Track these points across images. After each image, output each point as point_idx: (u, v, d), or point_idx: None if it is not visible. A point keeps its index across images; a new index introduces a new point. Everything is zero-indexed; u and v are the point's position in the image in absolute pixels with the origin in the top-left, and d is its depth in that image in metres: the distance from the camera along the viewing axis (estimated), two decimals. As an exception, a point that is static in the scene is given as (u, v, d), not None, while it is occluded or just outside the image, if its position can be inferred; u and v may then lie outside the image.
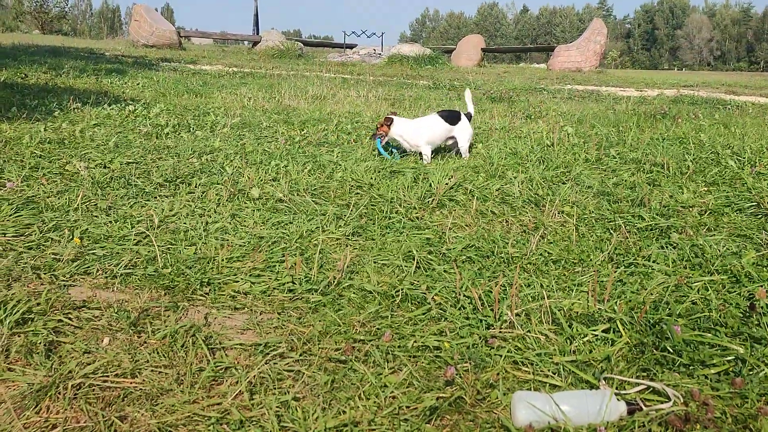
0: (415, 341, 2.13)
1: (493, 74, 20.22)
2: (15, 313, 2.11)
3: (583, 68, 24.86)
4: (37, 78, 9.85)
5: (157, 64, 16.21)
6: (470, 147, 5.28)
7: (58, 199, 3.48)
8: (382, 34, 30.64)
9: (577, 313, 2.33)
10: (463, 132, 5.14)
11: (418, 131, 4.95)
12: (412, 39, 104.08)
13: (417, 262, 2.83)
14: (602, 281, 2.65)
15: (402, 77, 17.25)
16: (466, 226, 3.47)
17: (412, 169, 4.54)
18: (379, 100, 9.68)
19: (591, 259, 2.95)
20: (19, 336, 2.02)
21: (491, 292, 2.47)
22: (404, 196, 3.85)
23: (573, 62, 25.16)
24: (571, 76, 20.73)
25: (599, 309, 2.32)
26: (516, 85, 14.70)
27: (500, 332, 2.19)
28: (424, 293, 2.51)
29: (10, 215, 3.13)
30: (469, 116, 5.25)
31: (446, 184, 4.03)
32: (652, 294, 2.49)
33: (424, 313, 2.36)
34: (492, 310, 2.32)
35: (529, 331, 2.18)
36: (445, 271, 2.77)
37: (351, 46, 30.74)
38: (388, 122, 4.93)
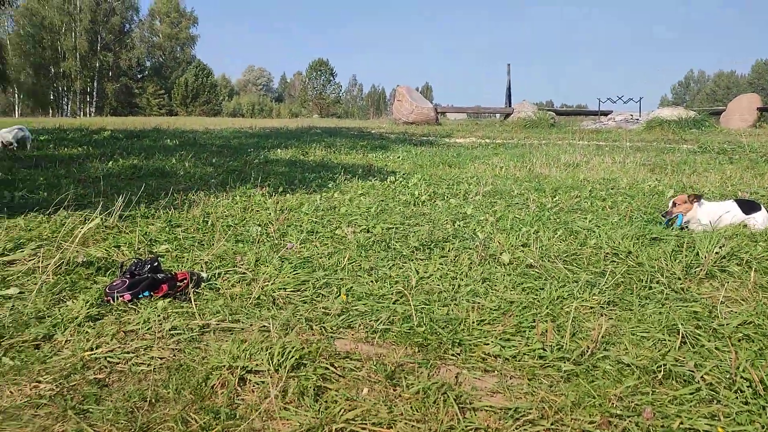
0: (681, 422, 1.93)
1: (773, 134, 18.04)
2: (291, 359, 2.37)
3: None
4: (315, 155, 11.21)
5: (415, 139, 17.41)
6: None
7: (329, 259, 3.87)
8: (640, 99, 29.19)
9: None
10: (756, 223, 4.55)
11: (718, 216, 4.56)
12: (674, 102, 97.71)
13: (682, 337, 2.57)
14: None
15: (662, 142, 16.26)
16: (742, 300, 3.08)
17: (676, 236, 4.19)
18: (637, 166, 9.20)
19: None
20: (293, 379, 2.26)
21: (776, 376, 2.15)
22: (666, 265, 3.56)
23: None
24: None
25: None
26: (803, 145, 12.92)
27: (790, 423, 1.88)
28: (692, 371, 2.27)
29: (290, 272, 3.55)
30: None
31: (716, 253, 3.64)
32: None
33: (691, 393, 2.13)
34: (778, 396, 2.01)
35: (828, 426, 1.84)
36: (716, 348, 2.48)
37: (606, 113, 29.86)
38: (696, 200, 4.60)
